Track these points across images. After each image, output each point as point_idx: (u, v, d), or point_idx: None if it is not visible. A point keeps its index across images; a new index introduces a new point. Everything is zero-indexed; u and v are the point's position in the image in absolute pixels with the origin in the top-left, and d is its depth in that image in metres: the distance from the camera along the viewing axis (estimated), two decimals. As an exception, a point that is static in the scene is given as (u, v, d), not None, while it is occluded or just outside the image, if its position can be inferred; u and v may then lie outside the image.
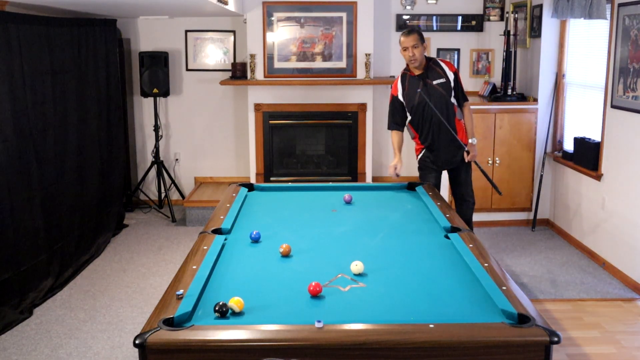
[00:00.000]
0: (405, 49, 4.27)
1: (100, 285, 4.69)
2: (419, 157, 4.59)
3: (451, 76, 4.38)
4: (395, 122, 4.52)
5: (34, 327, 3.98)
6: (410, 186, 4.25)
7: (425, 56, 4.37)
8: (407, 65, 4.38)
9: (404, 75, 4.43)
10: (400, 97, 4.41)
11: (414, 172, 6.84)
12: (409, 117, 4.47)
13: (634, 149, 4.49)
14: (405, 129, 4.60)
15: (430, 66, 4.36)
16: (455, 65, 6.72)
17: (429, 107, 4.31)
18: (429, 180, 4.52)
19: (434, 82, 4.33)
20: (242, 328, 2.16)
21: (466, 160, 4.44)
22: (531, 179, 5.96)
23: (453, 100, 4.41)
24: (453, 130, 4.35)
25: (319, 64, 6.23)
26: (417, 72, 4.36)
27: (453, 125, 4.39)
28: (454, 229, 3.25)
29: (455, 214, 3.56)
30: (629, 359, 3.56)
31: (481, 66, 6.61)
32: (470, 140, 4.46)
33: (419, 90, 4.32)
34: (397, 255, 2.95)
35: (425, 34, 6.60)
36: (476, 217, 5.95)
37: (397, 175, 4.46)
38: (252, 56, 6.18)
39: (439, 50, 6.59)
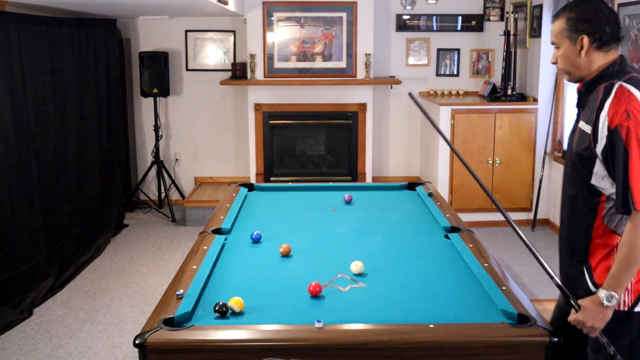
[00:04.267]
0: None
1: (100, 285, 4.69)
2: None
3: (603, 130, 1.99)
4: None
5: (34, 327, 3.98)
6: (410, 186, 4.24)
7: (603, 68, 2.10)
8: None
9: None
10: None
11: (414, 172, 6.89)
12: None
13: (634, 149, 4.48)
14: None
15: (596, 90, 2.10)
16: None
17: (566, 163, 2.37)
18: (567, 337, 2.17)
19: (580, 124, 2.17)
20: (242, 328, 2.16)
21: (569, 319, 2.11)
22: (531, 179, 5.95)
23: (594, 179, 2.09)
24: (580, 234, 2.19)
25: (319, 64, 6.22)
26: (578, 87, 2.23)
27: (589, 227, 2.14)
28: (454, 229, 3.24)
29: (454, 214, 3.55)
30: (629, 359, 3.55)
31: (481, 66, 6.61)
32: (598, 292, 2.04)
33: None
34: (397, 255, 2.95)
35: (425, 34, 6.67)
36: (476, 217, 5.97)
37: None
38: (252, 56, 6.17)
39: (439, 50, 6.60)
